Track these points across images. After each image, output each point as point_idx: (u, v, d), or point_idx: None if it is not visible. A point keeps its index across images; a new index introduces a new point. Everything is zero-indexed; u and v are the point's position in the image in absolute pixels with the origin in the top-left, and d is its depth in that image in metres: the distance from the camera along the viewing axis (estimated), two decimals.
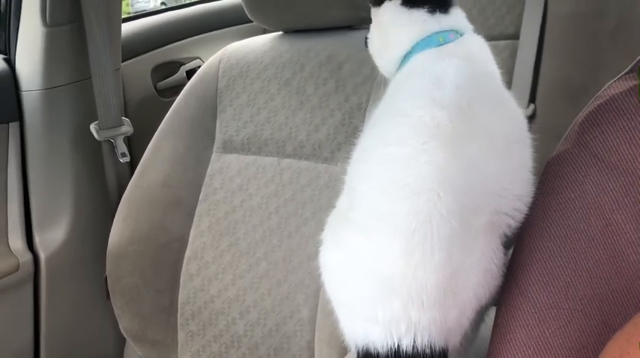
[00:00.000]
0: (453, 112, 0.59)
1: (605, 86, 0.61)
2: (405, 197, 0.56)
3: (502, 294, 0.58)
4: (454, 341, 0.58)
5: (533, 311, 0.53)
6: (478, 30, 1.79)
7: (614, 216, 0.54)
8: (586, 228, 0.54)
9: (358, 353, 0.60)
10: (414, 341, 0.56)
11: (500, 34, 1.70)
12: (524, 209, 0.61)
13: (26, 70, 1.18)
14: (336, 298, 0.65)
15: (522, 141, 0.64)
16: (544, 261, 0.55)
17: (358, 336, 0.60)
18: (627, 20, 1.46)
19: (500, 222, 0.59)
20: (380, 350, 0.57)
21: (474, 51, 0.71)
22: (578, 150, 0.58)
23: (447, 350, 0.57)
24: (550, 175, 0.59)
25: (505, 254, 0.62)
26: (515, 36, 1.67)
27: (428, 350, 0.55)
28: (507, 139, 0.62)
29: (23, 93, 1.19)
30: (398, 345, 0.56)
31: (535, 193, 0.60)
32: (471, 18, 1.80)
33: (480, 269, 0.57)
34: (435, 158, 0.57)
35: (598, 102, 0.59)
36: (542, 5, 1.63)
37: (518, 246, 0.59)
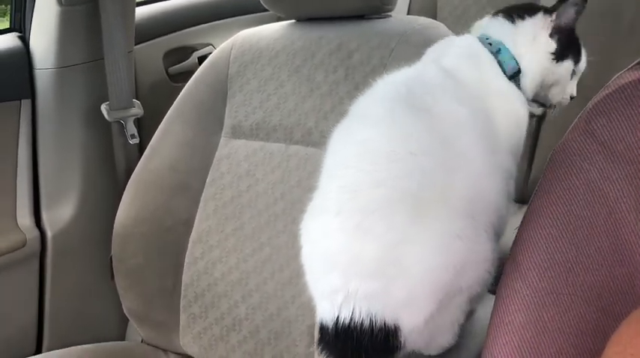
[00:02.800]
0: (388, 102, 0.66)
1: (615, 76, 0.61)
2: (339, 174, 0.62)
3: (502, 277, 0.58)
4: (412, 319, 0.57)
5: (532, 295, 0.54)
6: None
7: (619, 205, 0.54)
8: (589, 215, 0.54)
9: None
10: (352, 312, 0.56)
11: None
12: (491, 188, 0.64)
13: (40, 48, 1.19)
14: (308, 285, 0.67)
15: (481, 130, 0.66)
16: (546, 246, 0.55)
17: (318, 314, 0.62)
18: None
19: (458, 196, 0.60)
20: (329, 324, 0.59)
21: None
22: (585, 138, 0.58)
23: (398, 327, 0.57)
24: (555, 162, 0.59)
25: (494, 240, 0.63)
26: None
27: (367, 322, 0.56)
28: (458, 123, 0.65)
29: (36, 71, 1.20)
30: (338, 317, 0.57)
31: (540, 180, 0.60)
32: (484, 15, 1.80)
33: (433, 242, 0.57)
34: (361, 137, 0.62)
35: (607, 92, 0.59)
36: None
37: (520, 230, 0.59)
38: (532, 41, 0.75)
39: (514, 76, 0.74)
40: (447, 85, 0.69)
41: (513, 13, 0.77)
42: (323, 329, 0.60)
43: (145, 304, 1.11)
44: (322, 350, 0.61)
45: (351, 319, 0.56)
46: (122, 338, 1.27)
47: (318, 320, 0.62)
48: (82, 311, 1.27)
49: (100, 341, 1.14)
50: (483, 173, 0.63)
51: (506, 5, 1.76)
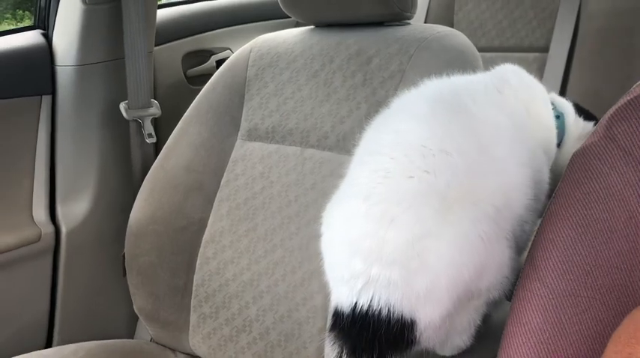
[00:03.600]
0: (431, 100, 0.68)
1: (637, 83, 0.61)
2: (368, 160, 0.62)
3: (520, 279, 0.58)
4: (428, 316, 0.57)
5: (550, 297, 0.53)
6: (508, 41, 1.83)
7: (639, 209, 0.54)
8: (609, 218, 0.54)
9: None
10: (371, 300, 0.55)
11: (530, 47, 1.71)
12: (519, 201, 0.63)
13: (63, 46, 1.21)
14: (326, 271, 0.67)
15: (520, 142, 0.67)
16: (564, 248, 0.55)
17: (333, 300, 0.61)
18: None
19: (486, 200, 0.59)
20: (345, 310, 0.58)
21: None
22: (606, 142, 0.58)
23: (414, 320, 0.56)
24: (575, 166, 0.59)
25: (514, 249, 0.62)
26: (545, 49, 1.67)
27: (385, 311, 0.55)
28: (498, 131, 0.65)
29: (58, 67, 1.21)
30: (356, 303, 0.56)
31: (559, 184, 0.60)
32: (501, 29, 1.83)
33: (457, 240, 0.57)
34: (397, 128, 0.63)
35: (628, 98, 0.59)
36: (574, 20, 1.64)
37: (539, 233, 0.59)
38: (577, 137, 0.82)
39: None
40: (492, 94, 0.71)
41: (579, 109, 0.87)
42: (338, 315, 0.59)
43: (155, 303, 1.11)
44: (336, 337, 0.60)
45: (369, 306, 0.55)
46: (131, 336, 1.27)
47: (333, 305, 0.61)
48: (93, 307, 1.27)
49: (109, 338, 1.14)
50: (514, 184, 0.63)
51: (523, 17, 1.77)
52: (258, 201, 1.07)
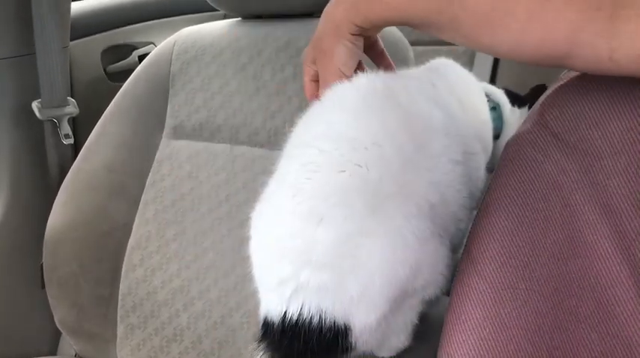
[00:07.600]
0: (363, 91, 0.62)
1: (568, 69, 0.60)
2: (297, 154, 0.57)
3: (458, 274, 0.55)
4: (364, 320, 0.53)
5: (489, 290, 0.51)
6: None
7: (573, 197, 0.52)
8: (545, 207, 0.53)
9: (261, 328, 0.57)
10: (301, 308, 0.52)
11: None
12: (454, 199, 0.61)
13: None
14: (254, 277, 0.62)
15: (453, 136, 0.64)
16: (501, 240, 0.53)
17: (262, 309, 0.57)
18: None
19: (421, 196, 0.56)
20: (275, 320, 0.54)
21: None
22: (539, 129, 0.56)
23: (348, 326, 0.52)
24: (509, 155, 0.57)
25: (448, 247, 0.60)
26: None
27: (316, 319, 0.51)
28: (432, 126, 0.62)
29: None
30: (285, 312, 0.52)
31: (494, 173, 0.58)
32: None
33: (391, 237, 0.53)
34: (328, 119, 0.59)
35: (559, 84, 0.58)
36: None
37: (475, 225, 0.57)
38: (514, 129, 0.80)
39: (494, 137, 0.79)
40: (426, 87, 0.68)
41: (510, 95, 0.85)
42: (267, 325, 0.55)
43: (78, 315, 1.05)
44: (266, 348, 0.55)
45: (299, 315, 0.51)
46: (54, 352, 1.19)
47: (262, 315, 0.57)
48: (10, 323, 1.18)
49: (30, 356, 1.07)
50: (448, 181, 0.61)
51: None
52: (187, 203, 1.02)
